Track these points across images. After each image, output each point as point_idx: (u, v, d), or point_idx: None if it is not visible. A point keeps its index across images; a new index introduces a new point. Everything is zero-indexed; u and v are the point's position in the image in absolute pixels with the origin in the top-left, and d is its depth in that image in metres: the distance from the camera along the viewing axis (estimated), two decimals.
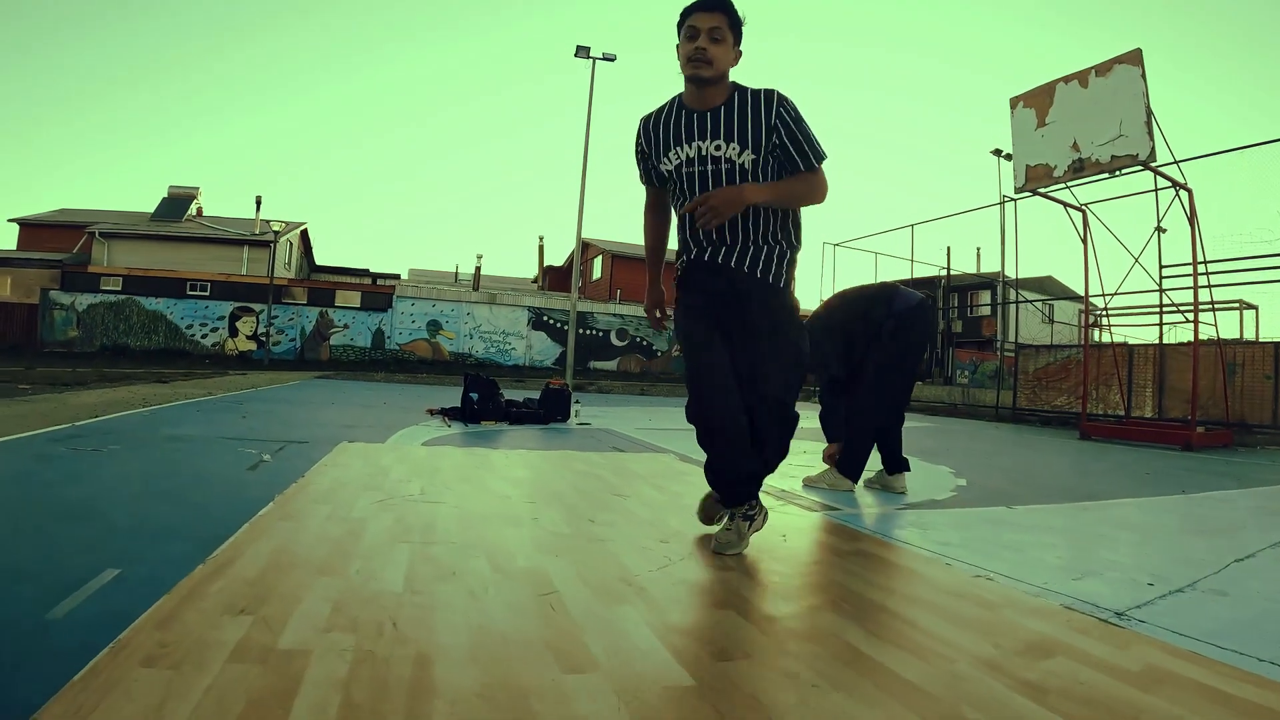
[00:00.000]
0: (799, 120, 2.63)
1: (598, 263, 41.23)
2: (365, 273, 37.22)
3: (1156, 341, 13.88)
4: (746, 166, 2.62)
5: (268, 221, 31.56)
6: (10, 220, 34.57)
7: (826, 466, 4.71)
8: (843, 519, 3.72)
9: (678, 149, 2.70)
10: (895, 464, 4.63)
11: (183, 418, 7.00)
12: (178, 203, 34.66)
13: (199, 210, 35.61)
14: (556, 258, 45.08)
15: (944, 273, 25.44)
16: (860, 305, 4.61)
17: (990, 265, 33.25)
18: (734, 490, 2.87)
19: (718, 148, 2.62)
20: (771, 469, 2.96)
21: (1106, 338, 14.21)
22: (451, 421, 8.26)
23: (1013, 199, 14.21)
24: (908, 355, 4.54)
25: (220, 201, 67.35)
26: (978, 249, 39.65)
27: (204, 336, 28.75)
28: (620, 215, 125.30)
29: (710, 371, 2.72)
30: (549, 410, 8.83)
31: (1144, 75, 9.90)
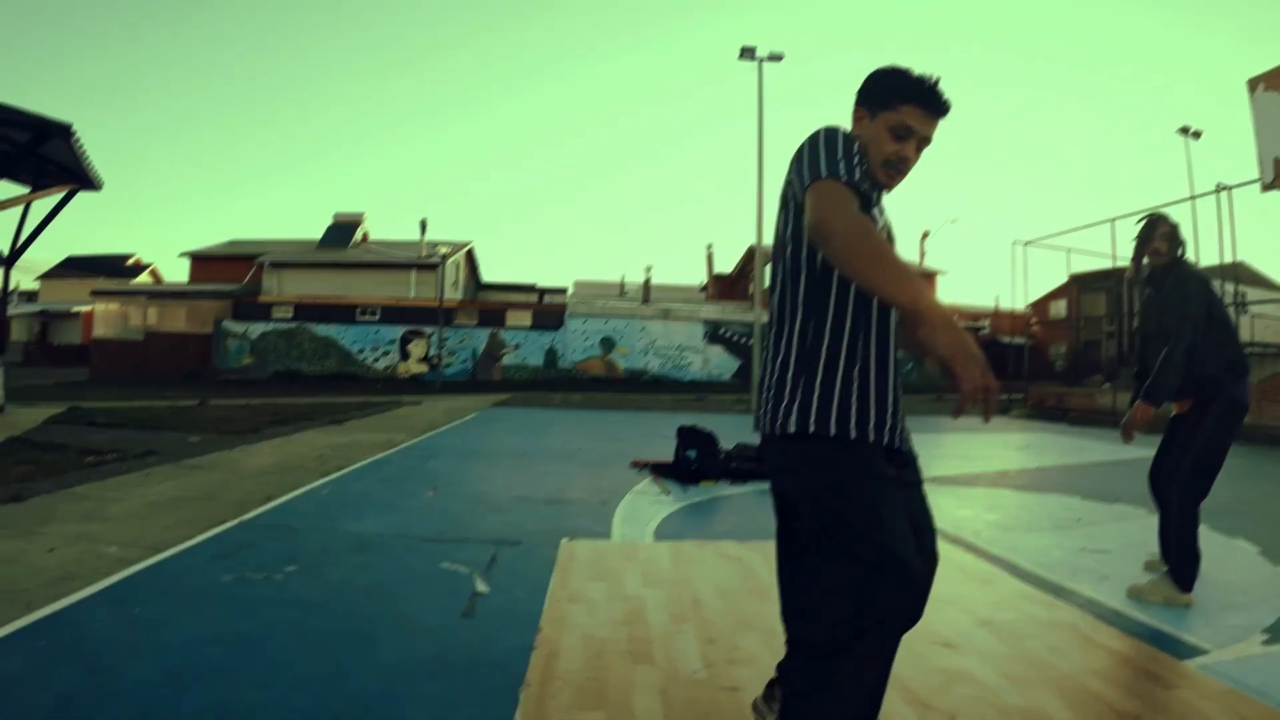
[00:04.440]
0: None
1: (770, 269, 39.63)
2: (532, 288, 37.43)
3: None
4: None
5: (434, 244, 32.14)
6: (182, 255, 37.42)
7: (1157, 574, 4.11)
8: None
9: (874, 211, 1.95)
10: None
11: (366, 497, 6.22)
12: (344, 229, 35.96)
13: (365, 235, 36.79)
14: (725, 264, 43.93)
15: (1127, 265, 22.67)
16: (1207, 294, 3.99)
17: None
18: None
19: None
20: None
21: None
22: (668, 483, 7.26)
23: (1226, 188, 13.78)
24: (1229, 440, 3.98)
25: (387, 224, 70.56)
26: None
27: (375, 361, 29.46)
28: None
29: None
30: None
31: None
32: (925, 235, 45.88)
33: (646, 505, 6.18)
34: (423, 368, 29.51)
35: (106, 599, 3.47)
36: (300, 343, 29.23)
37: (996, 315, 37.24)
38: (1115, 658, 3.10)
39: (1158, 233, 4.13)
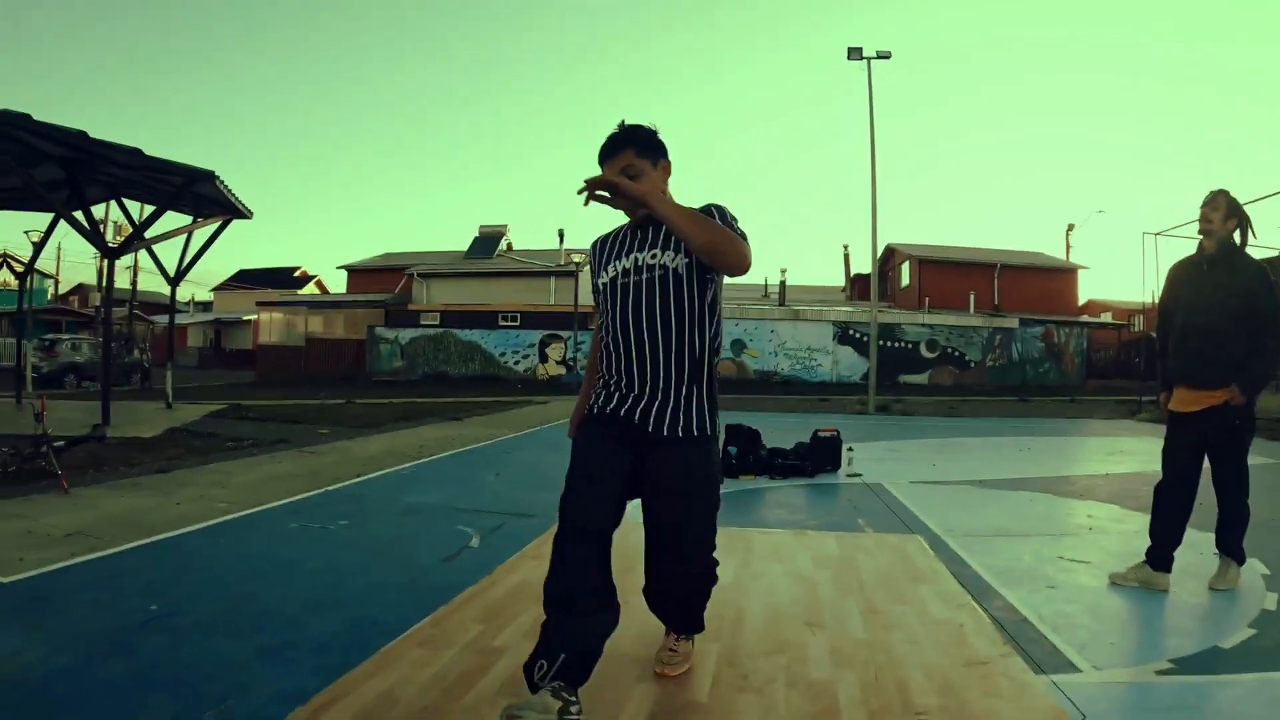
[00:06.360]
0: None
1: (905, 269, 39.49)
2: None
3: None
4: (680, 271, 2.58)
5: (570, 252, 34.20)
6: (339, 267, 42.74)
7: (1223, 566, 4.17)
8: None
9: (616, 262, 2.68)
10: (1167, 557, 4.13)
11: (436, 477, 7.69)
12: (488, 241, 39.18)
13: (509, 246, 39.62)
14: (863, 264, 44.07)
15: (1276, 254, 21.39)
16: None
17: None
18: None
19: (654, 256, 2.60)
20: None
21: None
22: None
23: None
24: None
25: (528, 234, 74.77)
26: None
27: (516, 363, 31.64)
28: (929, 218, 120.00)
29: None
30: (816, 462, 8.29)
31: None
32: (1070, 228, 44.37)
33: None
34: (560, 370, 31.38)
35: (205, 532, 5.02)
36: (446, 347, 31.78)
37: (1148, 311, 35.63)
38: (971, 660, 3.01)
39: (1220, 207, 4.02)
